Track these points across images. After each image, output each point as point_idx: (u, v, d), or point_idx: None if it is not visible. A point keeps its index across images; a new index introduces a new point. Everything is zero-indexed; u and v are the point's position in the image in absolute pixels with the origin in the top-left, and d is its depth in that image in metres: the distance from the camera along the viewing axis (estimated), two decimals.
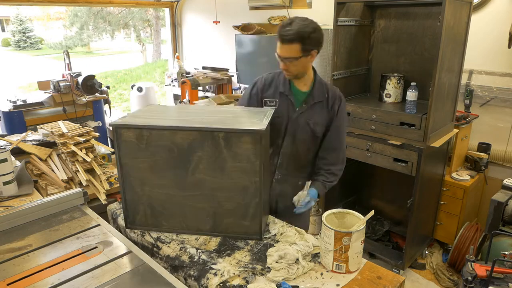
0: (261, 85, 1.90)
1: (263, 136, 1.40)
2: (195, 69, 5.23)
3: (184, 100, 4.50)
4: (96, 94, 4.32)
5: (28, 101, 4.01)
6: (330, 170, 1.89)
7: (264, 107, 1.87)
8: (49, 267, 1.27)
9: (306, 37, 1.65)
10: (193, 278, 1.33)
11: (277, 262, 1.36)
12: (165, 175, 1.50)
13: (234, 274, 1.32)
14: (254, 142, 1.40)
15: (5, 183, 1.90)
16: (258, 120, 1.52)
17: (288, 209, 1.88)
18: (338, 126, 1.88)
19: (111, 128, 4.73)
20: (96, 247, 1.38)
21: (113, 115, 4.92)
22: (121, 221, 1.67)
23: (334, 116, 1.85)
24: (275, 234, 1.57)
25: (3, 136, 2.67)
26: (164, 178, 1.51)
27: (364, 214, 1.41)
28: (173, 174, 1.49)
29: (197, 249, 1.46)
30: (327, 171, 1.89)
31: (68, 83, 4.13)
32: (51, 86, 4.14)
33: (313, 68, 1.87)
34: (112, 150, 2.54)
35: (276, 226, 1.62)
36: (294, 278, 1.32)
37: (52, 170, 2.16)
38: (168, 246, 1.49)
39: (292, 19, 1.68)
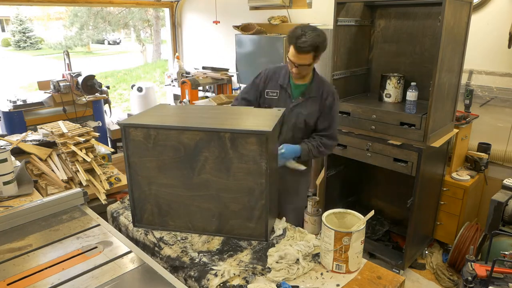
0: (265, 76, 2.15)
1: (269, 137, 1.38)
2: (195, 69, 5.23)
3: (184, 100, 4.49)
4: (96, 94, 4.32)
5: (28, 101, 4.00)
6: (321, 140, 2.10)
7: (266, 97, 2.12)
8: (49, 267, 1.27)
9: (320, 47, 1.91)
10: (193, 279, 1.33)
11: (277, 262, 1.36)
12: (172, 174, 1.50)
13: (234, 274, 1.32)
14: (260, 143, 1.39)
15: (5, 183, 1.90)
16: (265, 121, 1.51)
17: (286, 192, 2.17)
18: (330, 121, 2.09)
19: (111, 128, 4.74)
20: (96, 247, 1.38)
21: (113, 115, 4.93)
22: (123, 220, 1.67)
23: (327, 110, 2.07)
24: (279, 235, 1.57)
25: (3, 136, 2.67)
26: (171, 177, 1.51)
27: (364, 214, 1.41)
28: (179, 173, 1.49)
29: (198, 253, 1.46)
30: (317, 139, 2.11)
31: (68, 83, 4.13)
32: (51, 86, 4.13)
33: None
34: (112, 150, 2.54)
35: (280, 226, 1.62)
36: (294, 278, 1.32)
37: (52, 170, 2.16)
38: (170, 248, 1.49)
39: (304, 29, 1.88)
